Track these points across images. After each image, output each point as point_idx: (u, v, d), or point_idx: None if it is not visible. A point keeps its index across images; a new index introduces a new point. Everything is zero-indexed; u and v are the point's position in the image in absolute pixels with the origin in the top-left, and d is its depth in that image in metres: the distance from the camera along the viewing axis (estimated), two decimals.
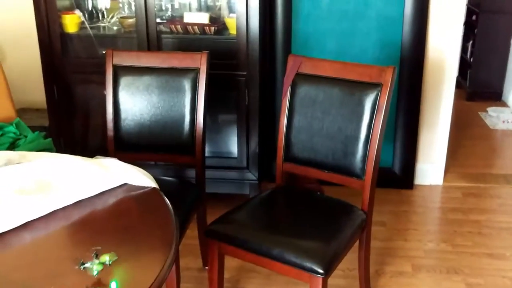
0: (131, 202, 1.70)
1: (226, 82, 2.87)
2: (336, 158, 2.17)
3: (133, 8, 2.91)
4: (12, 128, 2.56)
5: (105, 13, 3.12)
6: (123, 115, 2.34)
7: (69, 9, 3.05)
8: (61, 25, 2.96)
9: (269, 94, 3.24)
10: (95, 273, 1.25)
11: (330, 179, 2.23)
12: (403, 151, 3.38)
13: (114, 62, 2.33)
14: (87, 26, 3.01)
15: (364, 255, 2.23)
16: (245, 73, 2.84)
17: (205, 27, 2.91)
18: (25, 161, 1.79)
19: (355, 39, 3.22)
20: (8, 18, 3.41)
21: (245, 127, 2.93)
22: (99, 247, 1.30)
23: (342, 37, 3.22)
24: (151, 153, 2.43)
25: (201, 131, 2.30)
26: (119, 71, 2.33)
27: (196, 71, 2.30)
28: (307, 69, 2.23)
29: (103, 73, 2.34)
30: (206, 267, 2.41)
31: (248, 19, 2.75)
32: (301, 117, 2.22)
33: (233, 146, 3.02)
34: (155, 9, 2.87)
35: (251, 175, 3.00)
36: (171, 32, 2.96)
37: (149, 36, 2.87)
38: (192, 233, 2.42)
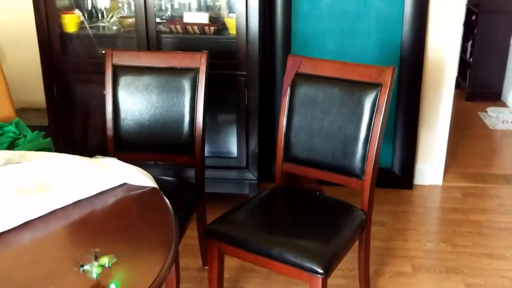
0: (130, 202, 1.70)
1: (225, 82, 2.87)
2: (335, 158, 2.17)
3: (133, 8, 2.91)
4: (11, 128, 2.56)
5: (104, 12, 3.11)
6: (123, 114, 2.34)
7: (69, 9, 3.05)
8: (60, 25, 2.96)
9: (268, 94, 3.24)
10: (94, 275, 1.24)
11: (330, 179, 2.23)
12: (403, 151, 3.38)
13: (113, 62, 2.33)
14: (87, 26, 3.01)
15: (364, 255, 2.23)
16: (244, 73, 2.84)
17: (204, 27, 2.91)
18: (25, 160, 1.79)
19: (355, 39, 3.22)
20: (8, 18, 3.41)
21: (245, 127, 2.93)
22: (98, 249, 1.30)
23: (342, 37, 3.22)
24: (151, 153, 2.43)
25: (201, 131, 2.30)
26: (119, 71, 2.33)
27: (195, 71, 2.29)
28: (306, 69, 2.23)
29: (102, 73, 2.34)
30: (206, 267, 2.41)
31: (248, 19, 2.75)
32: (300, 117, 2.22)
33: (232, 146, 3.02)
34: (155, 9, 2.87)
35: (251, 175, 3.00)
36: (171, 32, 2.96)
37: (148, 36, 2.87)
38: (192, 233, 2.42)
